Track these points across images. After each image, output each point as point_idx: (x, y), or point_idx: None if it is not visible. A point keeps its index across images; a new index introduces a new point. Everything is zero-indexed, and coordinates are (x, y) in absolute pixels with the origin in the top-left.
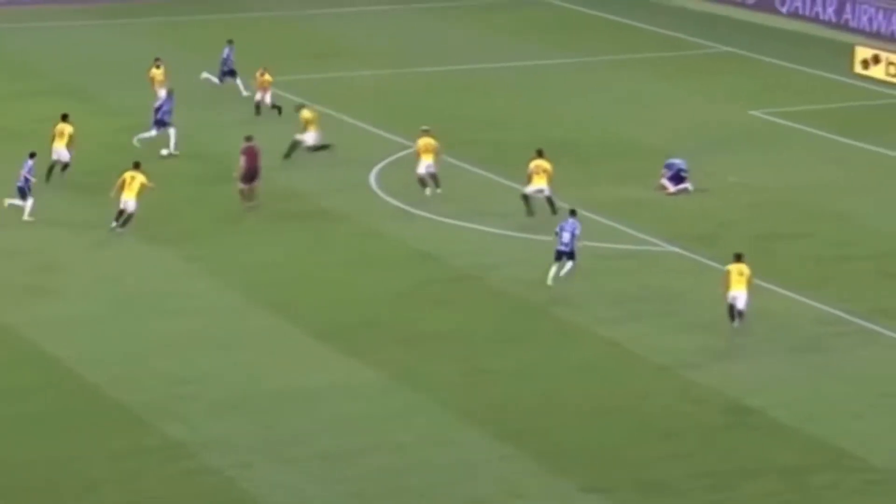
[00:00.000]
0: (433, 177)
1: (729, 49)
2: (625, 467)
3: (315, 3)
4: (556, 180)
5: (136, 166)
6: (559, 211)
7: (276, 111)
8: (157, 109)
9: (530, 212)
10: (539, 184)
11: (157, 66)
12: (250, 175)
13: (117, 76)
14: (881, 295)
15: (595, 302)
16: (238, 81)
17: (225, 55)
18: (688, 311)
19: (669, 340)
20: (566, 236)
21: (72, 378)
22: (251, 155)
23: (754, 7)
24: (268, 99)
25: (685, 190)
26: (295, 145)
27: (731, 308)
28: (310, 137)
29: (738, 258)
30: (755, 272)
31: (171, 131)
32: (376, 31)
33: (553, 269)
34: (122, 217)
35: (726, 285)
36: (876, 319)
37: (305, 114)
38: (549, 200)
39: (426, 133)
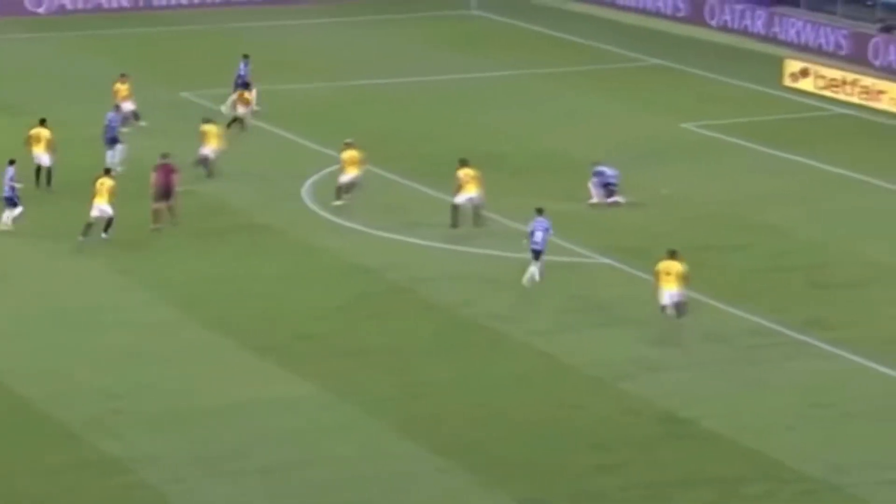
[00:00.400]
0: (353, 186)
1: (659, 62)
2: (560, 479)
3: (249, 16)
4: (488, 193)
5: (107, 172)
6: (485, 224)
7: (237, 123)
8: (108, 127)
9: (455, 223)
10: (470, 192)
11: (123, 82)
12: (164, 193)
13: (52, 90)
14: (813, 306)
15: (528, 314)
16: (249, 94)
17: (241, 70)
18: (621, 322)
19: (603, 352)
20: (539, 235)
21: (3, 393)
22: (163, 173)
23: (684, 20)
24: (242, 111)
25: (616, 203)
26: (205, 161)
27: (663, 308)
28: (208, 150)
29: (672, 255)
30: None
31: (120, 147)
32: (310, 44)
33: (531, 268)
34: (104, 224)
35: (656, 284)
36: (808, 330)
37: (208, 127)
38: (477, 211)
39: (350, 146)
